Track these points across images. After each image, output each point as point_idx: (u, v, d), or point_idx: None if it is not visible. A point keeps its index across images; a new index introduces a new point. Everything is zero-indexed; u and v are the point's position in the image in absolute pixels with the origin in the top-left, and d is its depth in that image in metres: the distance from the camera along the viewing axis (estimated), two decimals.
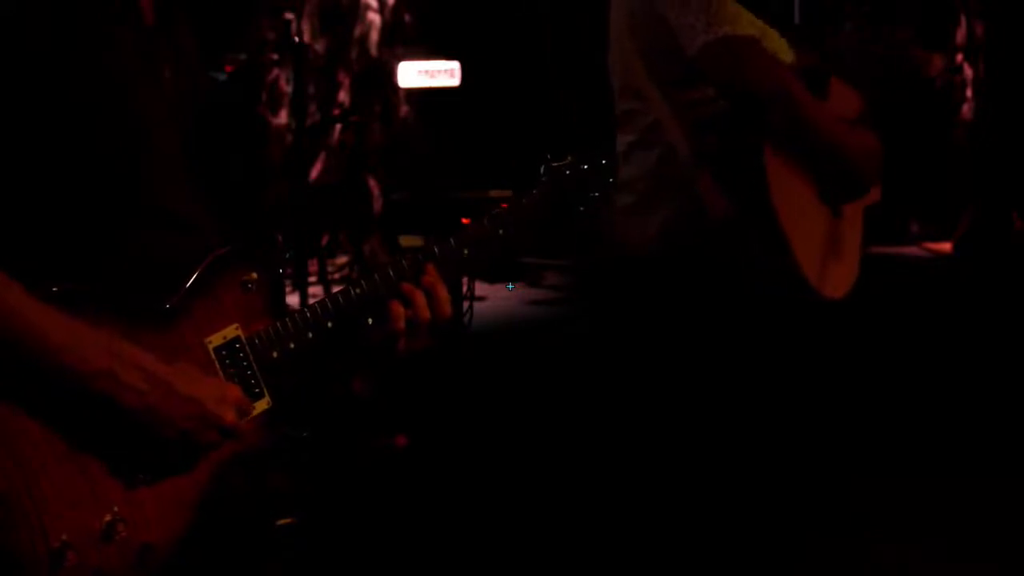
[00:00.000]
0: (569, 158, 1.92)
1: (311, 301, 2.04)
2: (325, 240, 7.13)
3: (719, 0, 2.60)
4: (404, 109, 7.43)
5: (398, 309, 1.76)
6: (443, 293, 1.78)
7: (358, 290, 1.76)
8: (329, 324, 1.74)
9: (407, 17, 7.40)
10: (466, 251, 1.82)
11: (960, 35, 7.27)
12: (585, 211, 1.91)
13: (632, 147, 2.82)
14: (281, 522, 2.00)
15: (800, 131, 2.67)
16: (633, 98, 2.81)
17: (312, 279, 6.45)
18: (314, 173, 7.02)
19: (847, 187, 2.81)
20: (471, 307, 5.90)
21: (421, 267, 1.79)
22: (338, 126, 7.13)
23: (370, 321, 1.76)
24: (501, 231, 1.84)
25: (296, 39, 5.98)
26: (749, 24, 2.65)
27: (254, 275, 1.71)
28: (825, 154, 2.73)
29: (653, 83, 2.76)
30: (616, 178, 1.94)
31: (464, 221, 1.86)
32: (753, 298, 2.72)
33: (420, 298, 1.77)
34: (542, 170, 1.90)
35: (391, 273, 1.78)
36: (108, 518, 1.57)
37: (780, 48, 2.76)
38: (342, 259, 7.22)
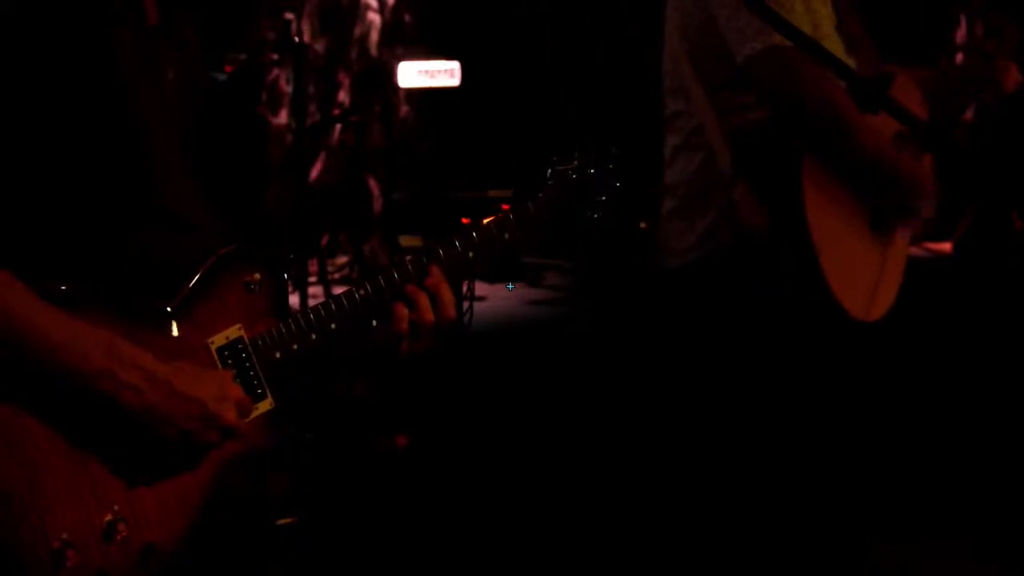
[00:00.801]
0: (576, 161, 1.90)
1: (311, 301, 2.04)
2: (325, 240, 7.12)
3: (775, 5, 2.54)
4: (404, 109, 7.43)
5: (401, 311, 1.76)
6: (447, 295, 1.78)
7: (362, 292, 1.76)
8: (333, 326, 1.74)
9: (407, 17, 7.39)
10: (471, 254, 1.82)
11: (960, 35, 7.26)
12: (592, 215, 1.90)
13: (677, 150, 2.80)
14: (281, 522, 2.00)
15: (843, 147, 2.62)
16: (680, 100, 2.79)
17: (312, 279, 6.45)
18: (314, 173, 7.01)
19: (893, 207, 2.75)
20: (471, 307, 5.89)
21: (425, 269, 1.79)
22: (338, 126, 7.13)
23: (374, 323, 1.76)
24: (507, 235, 1.83)
25: (296, 39, 5.97)
26: (803, 18, 2.60)
27: (257, 276, 1.72)
28: (868, 172, 2.67)
29: (700, 85, 2.73)
30: (623, 182, 1.92)
31: (464, 221, 1.86)
32: (777, 307, 2.68)
33: (424, 300, 1.77)
34: (548, 173, 1.89)
35: (395, 275, 1.78)
36: (109, 517, 1.57)
37: (835, 49, 2.71)
38: (342, 259, 7.21)
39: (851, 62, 2.79)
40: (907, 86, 2.82)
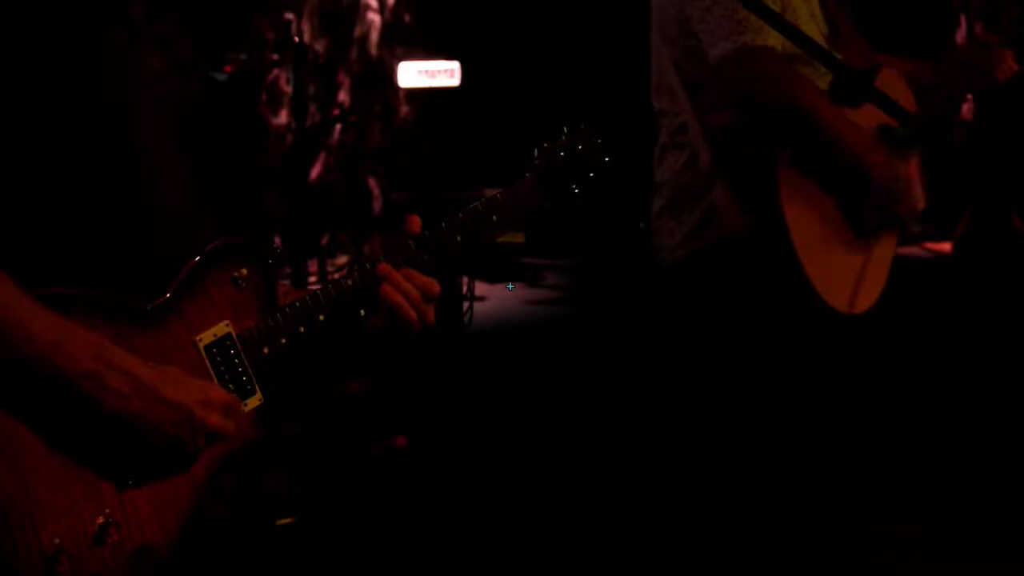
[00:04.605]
0: (564, 138, 1.89)
1: None
2: (325, 240, 7.12)
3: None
4: (404, 109, 7.43)
5: (388, 291, 1.75)
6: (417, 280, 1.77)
7: (350, 282, 1.76)
8: (320, 317, 1.73)
9: (407, 17, 7.40)
10: (459, 237, 1.81)
11: (960, 35, 7.26)
12: (580, 191, 1.88)
13: (664, 149, 2.80)
14: (281, 522, 1.99)
15: (815, 149, 2.60)
16: (665, 98, 2.78)
17: (312, 279, 6.45)
18: (314, 173, 7.01)
19: (870, 209, 2.74)
20: (471, 307, 5.89)
21: (416, 255, 1.78)
22: (338, 126, 7.13)
23: (362, 312, 1.75)
24: (495, 216, 1.82)
25: (296, 39, 5.98)
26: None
27: (245, 271, 1.70)
28: (843, 171, 2.65)
29: (681, 84, 2.73)
30: (612, 156, 1.91)
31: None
32: (767, 310, 2.68)
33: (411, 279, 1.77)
34: (535, 152, 1.88)
35: (384, 263, 1.77)
36: (100, 521, 1.56)
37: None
38: (342, 259, 7.22)
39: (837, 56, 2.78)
40: (895, 81, 2.81)
